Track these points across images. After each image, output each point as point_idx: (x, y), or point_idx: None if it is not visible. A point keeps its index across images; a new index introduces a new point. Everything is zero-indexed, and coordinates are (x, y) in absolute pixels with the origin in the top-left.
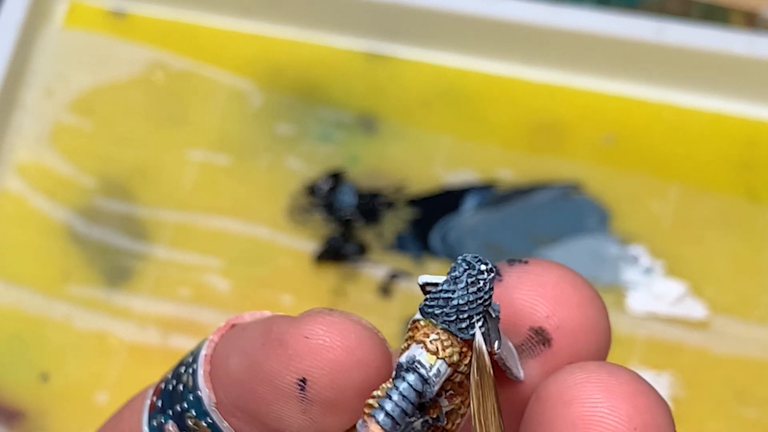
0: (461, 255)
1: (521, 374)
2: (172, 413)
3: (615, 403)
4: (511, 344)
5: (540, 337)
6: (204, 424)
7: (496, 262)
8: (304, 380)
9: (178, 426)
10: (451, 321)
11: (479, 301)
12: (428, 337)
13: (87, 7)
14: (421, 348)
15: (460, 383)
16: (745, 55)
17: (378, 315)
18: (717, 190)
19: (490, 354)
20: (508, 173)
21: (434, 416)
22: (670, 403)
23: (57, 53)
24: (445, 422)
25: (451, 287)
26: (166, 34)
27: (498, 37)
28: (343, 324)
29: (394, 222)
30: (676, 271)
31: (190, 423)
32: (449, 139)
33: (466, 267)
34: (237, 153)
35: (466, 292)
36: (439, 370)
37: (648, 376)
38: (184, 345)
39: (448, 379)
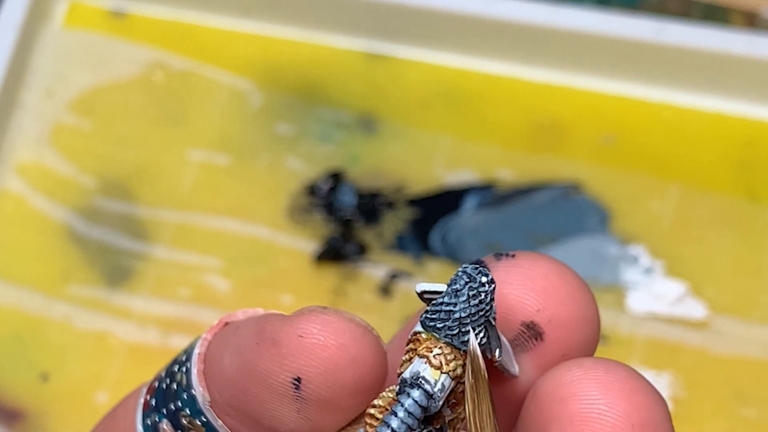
0: (462, 266)
1: (516, 370)
2: (166, 412)
3: (612, 400)
4: (507, 343)
5: (532, 332)
6: (198, 422)
7: (482, 256)
8: (298, 379)
9: (173, 424)
10: (454, 335)
11: (481, 313)
12: (431, 351)
13: (87, 7)
14: (425, 363)
15: (462, 392)
16: (745, 55)
17: (378, 315)
18: (717, 190)
19: (491, 362)
20: (508, 173)
21: (438, 426)
22: (670, 403)
23: (57, 53)
24: (448, 431)
25: (453, 300)
26: (166, 34)
27: (498, 37)
28: (337, 322)
29: (394, 222)
30: (676, 271)
31: (184, 422)
32: (449, 139)
33: (467, 279)
34: (237, 153)
35: (468, 305)
36: (443, 385)
37: (648, 376)
38: (184, 345)
39: (452, 391)
